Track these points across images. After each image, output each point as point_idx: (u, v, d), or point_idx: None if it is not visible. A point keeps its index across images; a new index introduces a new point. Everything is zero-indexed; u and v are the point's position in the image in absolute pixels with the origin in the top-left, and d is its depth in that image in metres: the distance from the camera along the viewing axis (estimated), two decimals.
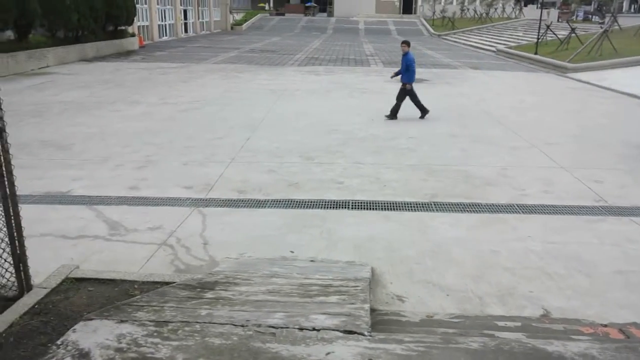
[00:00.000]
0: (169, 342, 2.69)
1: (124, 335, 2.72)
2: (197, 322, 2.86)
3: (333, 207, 6.23)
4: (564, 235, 5.54)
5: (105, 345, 2.71)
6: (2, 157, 3.73)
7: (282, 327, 2.79)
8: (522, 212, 6.17)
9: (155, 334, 2.74)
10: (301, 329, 2.77)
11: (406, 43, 11.06)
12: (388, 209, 6.20)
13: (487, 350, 2.73)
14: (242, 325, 2.84)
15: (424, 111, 11.32)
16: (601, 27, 24.67)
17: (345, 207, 6.23)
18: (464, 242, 5.29)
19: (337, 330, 2.77)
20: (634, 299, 4.29)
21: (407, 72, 10.99)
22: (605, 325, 3.81)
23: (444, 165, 7.92)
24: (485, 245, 5.24)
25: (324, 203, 6.35)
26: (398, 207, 6.24)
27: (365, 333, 2.79)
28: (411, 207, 6.26)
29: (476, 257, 4.98)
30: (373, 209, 6.20)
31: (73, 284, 4.13)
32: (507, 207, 6.29)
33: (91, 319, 2.91)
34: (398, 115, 11.24)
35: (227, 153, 8.36)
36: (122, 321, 2.85)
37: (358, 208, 6.21)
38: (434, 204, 6.35)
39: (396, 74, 11.44)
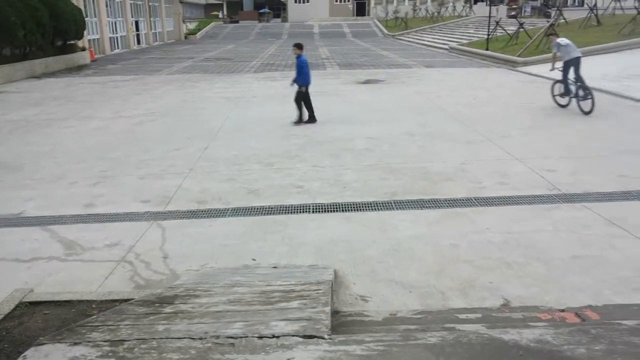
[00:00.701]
0: None
1: (78, 358, 2.63)
2: (153, 339, 2.80)
3: (294, 212, 6.22)
4: (521, 224, 5.67)
5: None
6: None
7: (241, 337, 2.76)
8: (480, 204, 6.29)
9: (110, 354, 2.67)
10: (260, 337, 2.74)
11: (297, 46, 10.90)
12: (349, 210, 6.23)
13: (445, 344, 2.76)
14: (200, 338, 2.79)
15: (312, 119, 11.08)
16: (547, 22, 25.46)
17: (306, 211, 6.23)
18: (425, 238, 5.36)
19: (297, 336, 2.75)
20: (589, 282, 4.42)
21: (300, 75, 10.83)
22: (563, 310, 3.92)
23: (403, 163, 8.01)
24: (445, 240, 5.31)
25: (284, 208, 6.33)
26: (359, 208, 6.27)
27: (325, 336, 2.78)
28: (372, 206, 6.30)
29: (437, 252, 5.05)
30: (334, 211, 6.22)
31: (27, 308, 3.99)
32: (465, 201, 6.40)
33: (43, 344, 2.81)
34: (351, 118, 11.30)
35: (185, 164, 8.25)
36: (75, 344, 2.76)
37: (319, 211, 6.22)
38: (394, 202, 6.41)
39: (294, 81, 11.08)
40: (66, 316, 3.86)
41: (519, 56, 21.11)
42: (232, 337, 2.74)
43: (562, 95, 11.83)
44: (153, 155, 8.80)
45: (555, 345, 2.72)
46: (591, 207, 6.04)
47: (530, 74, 18.51)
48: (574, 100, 11.53)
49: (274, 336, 2.74)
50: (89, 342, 2.77)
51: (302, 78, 10.89)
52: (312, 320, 2.94)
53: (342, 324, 3.50)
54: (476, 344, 2.74)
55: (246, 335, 2.76)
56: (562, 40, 11.57)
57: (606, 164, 7.70)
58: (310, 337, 2.75)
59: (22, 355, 2.77)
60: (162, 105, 13.88)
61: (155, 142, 9.76)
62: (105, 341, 2.77)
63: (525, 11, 41.71)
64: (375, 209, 6.25)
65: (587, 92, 11.10)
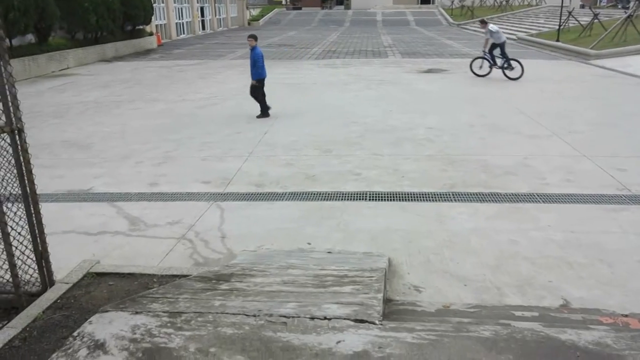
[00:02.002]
0: (182, 332, 2.73)
1: (138, 326, 2.77)
2: (210, 313, 2.89)
3: (351, 199, 6.22)
4: (585, 224, 5.44)
5: (119, 336, 2.76)
6: (21, 157, 3.81)
7: (293, 317, 2.81)
8: (543, 201, 6.08)
9: (168, 324, 2.79)
10: (312, 318, 2.78)
11: (252, 37, 10.40)
12: (406, 199, 6.17)
13: (498, 338, 2.71)
14: (254, 315, 2.86)
15: (264, 113, 10.64)
16: (625, 13, 24.10)
17: (362, 199, 6.22)
18: (483, 232, 5.24)
19: (349, 319, 2.77)
20: None
21: (254, 67, 10.31)
22: (626, 315, 3.74)
23: (463, 155, 7.84)
24: (504, 235, 5.18)
25: (341, 195, 6.35)
26: (416, 198, 6.21)
27: (377, 322, 2.79)
28: (430, 197, 6.22)
29: (495, 247, 4.94)
30: (391, 200, 6.18)
31: (94, 278, 4.21)
32: (527, 197, 6.21)
33: (107, 311, 2.97)
34: (411, 107, 11.14)
35: (245, 147, 8.41)
36: (136, 312, 2.90)
37: (376, 199, 6.20)
38: (453, 194, 6.30)
39: (254, 76, 10.49)
40: (129, 288, 4.04)
41: (592, 48, 20.13)
42: (284, 316, 2.80)
43: (484, 67, 15.40)
44: (215, 138, 9.02)
45: (616, 349, 2.61)
46: None
47: (603, 67, 17.63)
48: (499, 71, 14.97)
49: (325, 318, 2.77)
50: (149, 312, 2.90)
51: (256, 71, 10.32)
52: (364, 306, 2.96)
53: (394, 312, 3.49)
54: (531, 341, 2.67)
55: (298, 315, 2.81)
56: (493, 27, 15.22)
57: None
58: (362, 321, 2.76)
59: (88, 320, 2.94)
60: (224, 89, 14.17)
61: (218, 125, 9.99)
62: (164, 312, 2.90)
63: (601, 1, 39.66)
64: (433, 199, 6.17)
65: (513, 63, 14.78)
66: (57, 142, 8.99)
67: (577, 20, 26.21)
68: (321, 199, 6.25)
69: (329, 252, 4.72)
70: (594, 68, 17.83)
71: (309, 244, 5.05)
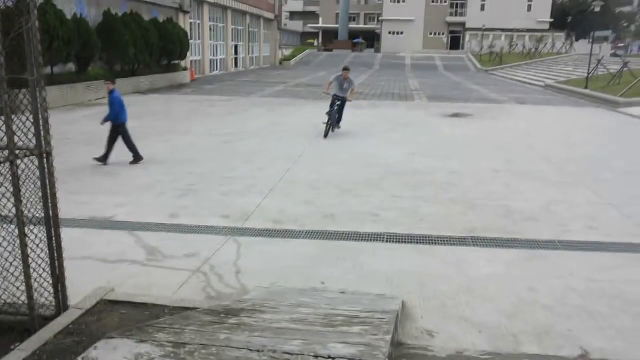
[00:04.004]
0: None
1: (142, 355, 2.77)
2: (214, 346, 2.88)
3: (368, 240, 6.19)
4: (609, 273, 5.30)
5: None
6: (47, 180, 3.92)
7: (297, 354, 2.78)
8: (565, 248, 5.96)
9: (172, 354, 2.79)
10: (316, 357, 2.75)
11: (111, 80, 9.94)
12: (424, 242, 6.11)
13: None
14: (258, 351, 2.84)
15: (105, 158, 9.69)
16: None
17: (380, 240, 6.18)
18: (501, 279, 5.14)
19: (352, 359, 2.73)
20: None
21: (111, 112, 9.71)
22: None
23: (485, 199, 7.77)
24: (523, 282, 5.07)
25: (358, 235, 6.32)
26: (434, 242, 6.14)
27: None
28: (448, 241, 6.15)
29: (513, 294, 4.83)
30: (408, 242, 6.13)
31: (107, 306, 4.24)
32: (548, 244, 6.09)
33: (113, 337, 2.99)
34: (435, 151, 11.12)
35: (266, 184, 8.48)
36: (142, 341, 2.91)
37: (393, 241, 6.15)
38: (472, 239, 6.22)
39: (105, 120, 9.86)
40: (140, 318, 4.05)
41: (620, 96, 19.96)
42: (288, 353, 2.77)
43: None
44: (237, 174, 9.13)
45: None
46: None
47: (633, 115, 17.42)
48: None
49: (329, 357, 2.74)
50: (154, 341, 2.91)
51: (112, 115, 9.73)
52: (371, 347, 2.91)
53: (404, 355, 3.42)
54: None
55: (302, 353, 2.78)
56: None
57: None
58: None
59: (94, 346, 2.95)
60: (251, 126, 14.41)
61: (241, 160, 10.13)
62: (169, 342, 2.90)
63: (631, 50, 39.53)
64: (451, 244, 6.09)
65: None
66: (85, 169, 9.21)
67: (606, 69, 26.10)
68: (338, 238, 6.24)
69: (342, 293, 4.68)
70: (623, 116, 17.64)
71: (323, 283, 5.01)
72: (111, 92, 9.85)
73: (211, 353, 2.80)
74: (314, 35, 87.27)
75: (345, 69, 13.26)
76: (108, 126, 9.81)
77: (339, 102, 13.12)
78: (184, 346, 2.88)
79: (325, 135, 12.51)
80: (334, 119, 13.01)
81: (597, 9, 27.50)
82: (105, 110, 10.22)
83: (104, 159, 9.72)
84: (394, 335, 3.39)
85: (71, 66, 19.21)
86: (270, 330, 3.19)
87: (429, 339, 4.05)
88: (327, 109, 13.20)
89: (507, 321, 4.34)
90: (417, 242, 6.12)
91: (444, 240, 6.17)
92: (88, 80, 19.41)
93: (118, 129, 9.83)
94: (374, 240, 6.20)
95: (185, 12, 29.24)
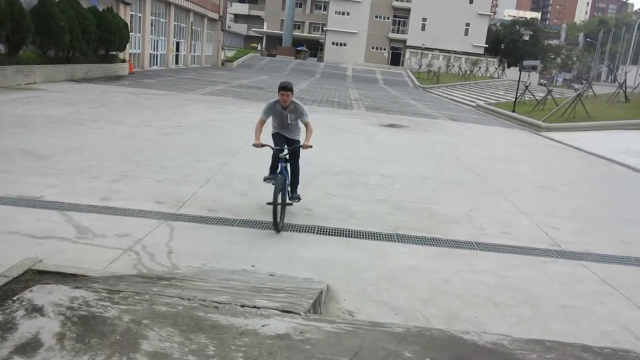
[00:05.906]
0: (118, 306, 2.88)
1: (77, 298, 2.88)
2: (147, 293, 3.03)
3: (299, 231, 6.44)
4: (516, 271, 5.80)
5: (58, 304, 2.88)
6: None
7: (225, 303, 2.98)
8: (480, 249, 6.44)
9: (106, 298, 2.92)
10: (243, 306, 2.97)
11: None
12: (352, 236, 6.43)
13: (409, 334, 2.95)
14: (189, 299, 3.03)
15: None
16: (575, 91, 25.79)
17: (311, 232, 6.44)
18: (420, 270, 5.53)
19: (276, 309, 2.97)
20: (572, 330, 4.54)
21: None
22: None
23: (412, 202, 8.21)
24: (439, 274, 5.48)
25: (291, 227, 6.55)
26: (362, 236, 6.47)
27: (301, 313, 2.99)
28: (374, 236, 6.50)
29: (429, 283, 5.21)
30: (338, 235, 6.42)
31: (34, 275, 4.23)
32: (465, 244, 6.56)
33: (48, 283, 3.07)
34: (369, 155, 11.53)
35: (202, 175, 8.57)
36: (77, 287, 3.01)
37: (323, 234, 6.43)
38: (397, 235, 6.60)
39: None
40: None
41: (543, 121, 21.37)
42: (217, 302, 2.97)
43: None
44: (174, 164, 9.15)
45: (510, 349, 2.92)
46: (588, 266, 6.15)
47: (552, 139, 18.72)
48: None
49: (255, 307, 2.97)
50: (89, 288, 3.02)
51: None
52: (293, 304, 3.15)
53: None
54: (437, 337, 2.94)
55: (230, 302, 2.99)
56: None
57: (610, 229, 7.81)
58: (288, 312, 2.97)
59: (29, 288, 3.03)
60: (190, 120, 14.37)
61: (179, 152, 10.14)
62: (104, 289, 3.02)
63: (556, 80, 42.24)
64: (377, 239, 6.44)
65: None
66: (14, 150, 8.94)
67: (532, 95, 27.82)
68: (271, 227, 6.43)
69: (271, 275, 4.89)
70: (544, 139, 18.91)
71: (253, 266, 5.20)
72: None
73: (144, 299, 2.94)
74: (258, 39, 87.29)
75: (284, 88, 6.96)
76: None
77: (285, 154, 7.11)
78: (118, 292, 3.01)
79: (276, 227, 6.27)
80: (284, 186, 6.72)
81: (527, 38, 29.29)
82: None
83: None
84: (315, 302, 3.65)
85: (0, 47, 18.38)
86: (200, 290, 3.37)
87: (349, 318, 4.33)
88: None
89: (422, 306, 4.70)
90: (346, 236, 6.43)
91: (371, 235, 6.52)
92: (18, 63, 18.64)
93: None
94: (305, 232, 6.45)
95: (127, 4, 28.64)
